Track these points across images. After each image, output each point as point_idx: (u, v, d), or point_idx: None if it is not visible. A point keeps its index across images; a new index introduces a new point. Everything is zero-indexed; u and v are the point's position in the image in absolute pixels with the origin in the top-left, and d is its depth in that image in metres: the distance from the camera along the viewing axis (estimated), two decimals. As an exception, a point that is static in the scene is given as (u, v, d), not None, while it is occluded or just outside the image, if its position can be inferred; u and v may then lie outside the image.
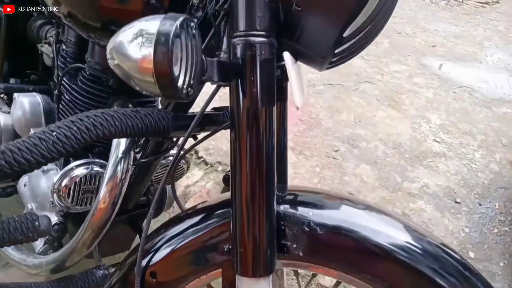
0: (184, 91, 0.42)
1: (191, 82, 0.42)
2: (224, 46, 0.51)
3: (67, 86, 0.86)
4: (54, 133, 0.43)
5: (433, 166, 1.93)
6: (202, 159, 1.92)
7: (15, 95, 0.96)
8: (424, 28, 3.73)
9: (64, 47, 0.90)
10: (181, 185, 1.76)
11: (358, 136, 2.11)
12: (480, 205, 1.72)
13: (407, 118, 2.29)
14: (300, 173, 1.84)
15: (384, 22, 0.51)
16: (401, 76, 2.74)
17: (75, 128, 0.44)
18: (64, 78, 0.86)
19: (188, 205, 1.58)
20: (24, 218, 0.63)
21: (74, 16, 0.69)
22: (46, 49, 1.00)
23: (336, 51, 0.49)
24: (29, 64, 1.11)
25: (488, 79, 2.83)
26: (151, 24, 0.40)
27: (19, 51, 1.09)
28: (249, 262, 0.50)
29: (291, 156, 1.93)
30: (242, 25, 0.47)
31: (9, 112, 1.02)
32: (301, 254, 0.53)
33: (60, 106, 0.88)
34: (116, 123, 0.47)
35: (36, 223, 0.64)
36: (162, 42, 0.39)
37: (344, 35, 0.47)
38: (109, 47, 0.43)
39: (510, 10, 4.55)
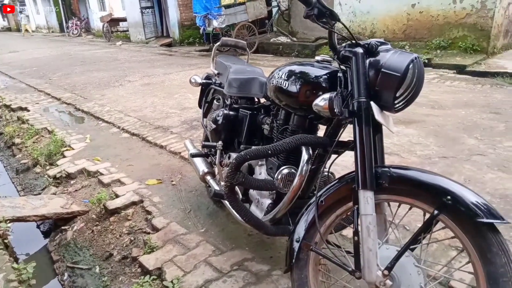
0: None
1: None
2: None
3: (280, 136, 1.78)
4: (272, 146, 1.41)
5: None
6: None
7: None
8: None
9: (275, 124, 1.84)
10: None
11: (467, 191, 2.64)
12: None
13: (516, 178, 2.72)
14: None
15: (418, 89, 1.30)
16: (514, 149, 3.17)
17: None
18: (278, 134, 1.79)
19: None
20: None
21: (288, 106, 1.62)
22: (266, 127, 1.96)
23: (396, 103, 1.28)
24: (255, 137, 2.10)
25: None
26: None
27: (252, 132, 2.10)
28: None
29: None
30: (356, 95, 1.30)
31: None
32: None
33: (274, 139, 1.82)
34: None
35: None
36: None
37: (397, 95, 1.27)
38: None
39: None
